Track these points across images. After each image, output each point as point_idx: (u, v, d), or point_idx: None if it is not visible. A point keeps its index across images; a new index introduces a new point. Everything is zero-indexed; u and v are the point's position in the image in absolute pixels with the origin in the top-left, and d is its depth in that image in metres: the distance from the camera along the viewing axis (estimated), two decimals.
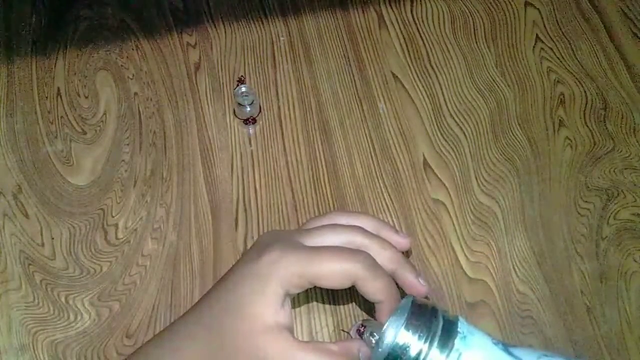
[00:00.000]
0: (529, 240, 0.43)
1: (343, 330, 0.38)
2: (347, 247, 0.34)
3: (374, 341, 0.33)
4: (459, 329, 0.31)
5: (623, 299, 0.41)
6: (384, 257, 0.35)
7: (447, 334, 0.30)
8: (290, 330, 0.32)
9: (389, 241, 0.37)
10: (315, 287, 0.33)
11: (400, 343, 0.30)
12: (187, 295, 0.41)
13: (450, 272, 0.42)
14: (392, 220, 0.44)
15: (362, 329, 0.34)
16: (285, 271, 0.32)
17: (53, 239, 0.43)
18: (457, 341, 0.30)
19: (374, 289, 0.33)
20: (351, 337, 0.35)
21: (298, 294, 0.34)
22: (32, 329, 0.39)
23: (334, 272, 0.32)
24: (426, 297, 0.36)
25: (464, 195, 0.45)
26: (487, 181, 0.45)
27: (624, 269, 0.42)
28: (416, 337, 0.30)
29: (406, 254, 0.40)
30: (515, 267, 0.42)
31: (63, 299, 0.40)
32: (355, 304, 0.41)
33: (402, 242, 0.38)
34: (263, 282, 0.32)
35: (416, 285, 0.35)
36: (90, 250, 0.42)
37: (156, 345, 0.35)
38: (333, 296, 0.41)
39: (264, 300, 0.32)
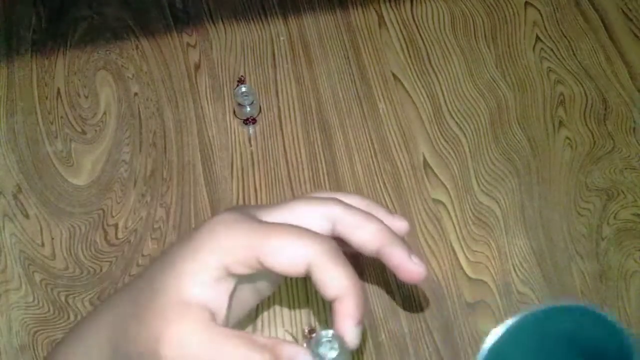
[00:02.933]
0: (529, 240, 0.43)
1: (288, 332, 0.33)
2: (310, 230, 0.27)
3: (319, 353, 0.25)
4: None
5: (623, 299, 0.41)
6: (367, 231, 0.29)
7: None
8: (215, 314, 0.25)
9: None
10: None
11: None
12: None
13: (450, 272, 0.42)
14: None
15: (309, 336, 0.28)
16: (227, 240, 0.26)
17: (53, 239, 0.43)
18: None
19: (330, 279, 0.26)
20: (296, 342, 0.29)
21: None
22: (32, 329, 0.39)
23: (285, 249, 0.26)
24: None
25: (464, 195, 0.45)
26: (487, 181, 0.45)
27: (624, 269, 0.42)
28: None
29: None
30: (515, 267, 0.42)
31: (63, 299, 0.40)
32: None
33: (399, 224, 0.32)
34: (197, 250, 0.26)
35: (408, 264, 0.28)
36: (90, 250, 0.42)
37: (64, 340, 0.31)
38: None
39: (190, 271, 0.25)
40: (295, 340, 0.31)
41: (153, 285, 0.26)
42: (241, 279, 0.27)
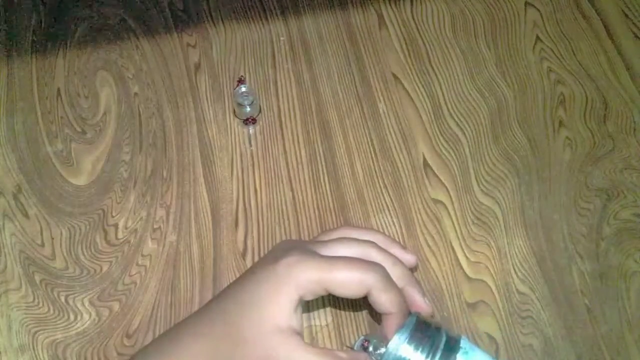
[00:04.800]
0: (529, 240, 0.43)
1: (347, 346, 0.38)
2: (363, 259, 0.35)
3: (378, 354, 0.34)
4: (461, 345, 0.32)
5: (623, 299, 0.41)
6: (395, 273, 0.36)
7: (449, 350, 0.32)
8: (301, 335, 0.33)
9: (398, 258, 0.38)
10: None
11: (403, 356, 0.32)
12: (187, 295, 0.41)
13: (450, 272, 0.42)
14: (392, 220, 0.44)
15: (366, 344, 0.34)
16: (302, 276, 0.33)
17: (53, 239, 0.43)
18: (459, 356, 0.32)
19: (386, 300, 0.33)
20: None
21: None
22: (32, 329, 0.39)
23: (351, 280, 0.33)
24: (431, 316, 0.37)
25: (464, 195, 0.45)
26: (487, 181, 0.45)
27: (624, 269, 0.42)
28: (419, 351, 0.32)
29: (412, 270, 0.40)
30: (515, 267, 0.42)
31: (63, 299, 0.40)
32: (357, 305, 0.41)
33: (409, 259, 0.39)
34: (279, 285, 0.33)
35: (422, 304, 0.37)
36: (90, 250, 0.42)
37: (156, 347, 0.34)
38: (333, 296, 0.41)
39: (279, 303, 0.32)
40: (352, 349, 0.37)
41: (249, 316, 0.33)
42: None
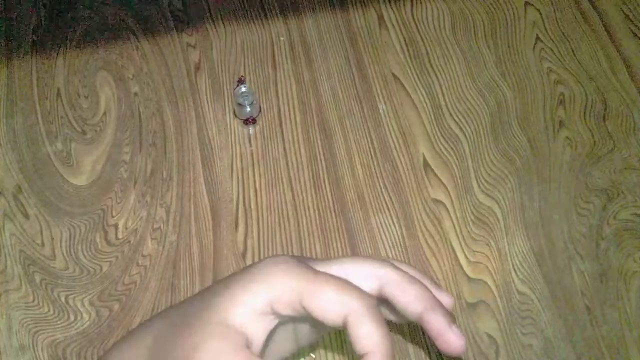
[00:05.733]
0: (529, 240, 0.43)
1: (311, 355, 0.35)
2: (355, 285, 0.28)
3: None
4: None
5: (623, 299, 0.41)
6: (412, 293, 0.29)
7: None
8: (250, 344, 0.27)
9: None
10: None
11: None
12: (187, 295, 0.41)
13: (450, 272, 0.42)
14: (392, 220, 0.44)
15: None
16: (278, 280, 0.27)
17: (53, 239, 0.43)
18: None
19: (364, 334, 0.26)
20: None
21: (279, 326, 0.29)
22: (32, 329, 0.39)
23: (328, 299, 0.27)
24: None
25: (464, 195, 0.45)
26: (487, 181, 0.45)
27: (624, 269, 0.42)
28: None
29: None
30: (515, 267, 0.42)
31: (63, 299, 0.40)
32: None
33: (444, 299, 0.31)
34: (251, 282, 0.28)
35: (447, 333, 0.29)
36: (90, 250, 0.42)
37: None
38: None
39: (241, 300, 0.27)
40: None
41: (205, 303, 0.28)
42: (283, 321, 0.28)
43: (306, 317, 0.28)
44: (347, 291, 0.27)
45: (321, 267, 0.30)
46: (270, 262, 0.28)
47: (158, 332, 0.29)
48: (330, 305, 0.27)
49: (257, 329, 0.27)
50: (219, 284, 0.30)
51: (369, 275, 0.30)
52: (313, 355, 0.39)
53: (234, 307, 0.27)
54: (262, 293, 0.27)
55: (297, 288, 0.27)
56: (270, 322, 0.28)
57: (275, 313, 0.27)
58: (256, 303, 0.27)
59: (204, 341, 0.26)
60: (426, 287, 0.30)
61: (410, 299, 0.29)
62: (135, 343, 0.30)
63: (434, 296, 0.30)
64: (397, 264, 0.32)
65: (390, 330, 0.40)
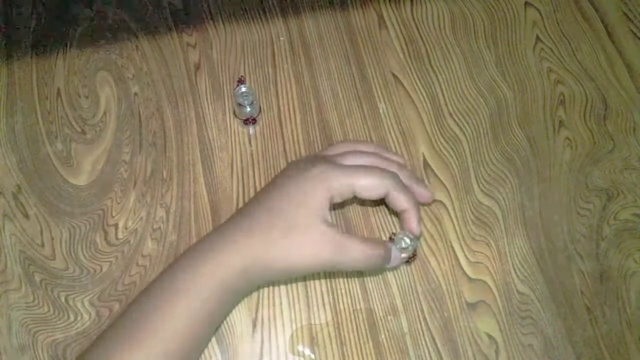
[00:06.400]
0: (529, 240, 0.43)
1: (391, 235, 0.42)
2: (379, 167, 0.41)
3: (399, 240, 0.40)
4: None
5: (623, 299, 0.41)
6: (403, 175, 0.42)
7: None
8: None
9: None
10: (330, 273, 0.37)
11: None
12: None
13: (450, 272, 0.42)
14: (392, 220, 0.44)
15: (392, 236, 0.41)
16: (335, 180, 0.38)
17: (53, 239, 0.43)
18: None
19: (403, 199, 0.40)
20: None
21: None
22: (32, 329, 0.39)
23: (373, 184, 0.39)
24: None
25: (464, 195, 0.45)
26: (487, 181, 0.45)
27: (624, 269, 0.42)
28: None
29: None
30: (515, 267, 0.42)
31: (63, 299, 0.40)
32: (357, 304, 0.41)
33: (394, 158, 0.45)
34: (317, 185, 0.38)
35: (426, 193, 0.43)
36: (90, 250, 0.42)
37: (205, 244, 0.38)
38: (333, 296, 0.41)
39: (320, 199, 0.37)
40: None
41: (296, 209, 0.37)
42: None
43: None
44: (381, 175, 0.39)
45: (344, 162, 0.41)
46: (323, 169, 0.39)
47: (262, 243, 0.37)
48: (374, 188, 0.39)
49: (330, 216, 0.38)
50: (291, 189, 0.38)
51: (369, 164, 0.42)
52: (313, 356, 0.39)
53: (323, 208, 0.38)
54: (327, 193, 0.38)
55: (349, 182, 0.38)
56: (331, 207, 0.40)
57: (332, 202, 0.39)
58: (327, 202, 0.38)
59: (325, 235, 0.37)
60: (407, 168, 0.44)
61: (402, 179, 0.42)
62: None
63: (413, 173, 0.45)
64: (379, 150, 0.45)
65: (391, 330, 0.40)
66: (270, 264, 0.36)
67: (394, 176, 0.40)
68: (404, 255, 0.40)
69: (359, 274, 0.42)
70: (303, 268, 0.37)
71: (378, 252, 0.38)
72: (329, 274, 0.42)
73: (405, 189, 0.40)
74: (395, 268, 0.42)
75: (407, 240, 0.40)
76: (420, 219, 0.41)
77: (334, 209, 0.44)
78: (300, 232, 0.36)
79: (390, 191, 0.39)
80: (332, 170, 0.38)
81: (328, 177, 0.38)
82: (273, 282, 0.41)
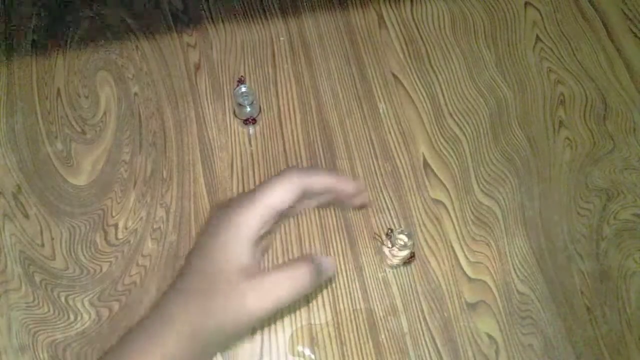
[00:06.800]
0: (529, 240, 0.43)
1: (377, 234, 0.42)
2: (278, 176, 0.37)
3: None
4: None
5: (623, 299, 0.41)
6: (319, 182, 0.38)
7: None
8: (259, 264, 0.35)
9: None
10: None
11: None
12: None
13: (450, 272, 0.42)
14: (392, 220, 0.44)
15: (390, 233, 0.41)
16: (243, 216, 0.35)
17: (53, 239, 0.43)
18: None
19: (317, 179, 0.36)
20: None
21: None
22: (32, 329, 0.39)
23: (282, 189, 0.35)
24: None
25: (464, 195, 0.45)
26: (487, 181, 0.45)
27: (624, 269, 0.42)
28: None
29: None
30: (515, 267, 0.42)
31: (63, 299, 0.40)
32: (357, 304, 0.41)
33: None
34: (233, 225, 0.35)
35: (346, 179, 0.39)
36: (90, 250, 0.42)
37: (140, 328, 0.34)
38: (333, 296, 0.41)
39: (238, 242, 0.34)
40: (381, 238, 0.42)
41: (213, 262, 0.34)
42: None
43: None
44: (280, 178, 0.35)
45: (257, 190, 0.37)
46: (237, 205, 0.35)
47: (189, 306, 0.34)
48: (288, 194, 0.35)
49: (259, 252, 0.36)
50: (208, 238, 0.35)
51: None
52: (313, 356, 0.39)
53: (242, 250, 0.34)
54: (246, 230, 0.35)
55: (259, 206, 0.35)
56: (259, 240, 0.36)
57: (259, 234, 0.35)
58: (250, 238, 0.34)
59: (244, 297, 0.33)
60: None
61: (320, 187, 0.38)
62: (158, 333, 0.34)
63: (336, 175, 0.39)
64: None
65: (391, 330, 0.40)
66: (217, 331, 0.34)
67: (292, 169, 0.36)
68: (403, 253, 0.40)
69: (359, 274, 0.42)
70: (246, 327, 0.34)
71: (303, 270, 0.35)
72: None
73: (311, 170, 0.37)
74: (329, 276, 0.39)
75: (405, 238, 0.40)
76: (351, 180, 0.38)
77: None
78: (220, 299, 0.33)
79: (301, 186, 0.36)
80: (237, 207, 0.35)
81: (238, 213, 0.35)
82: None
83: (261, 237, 0.36)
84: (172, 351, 0.33)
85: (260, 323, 0.38)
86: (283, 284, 0.35)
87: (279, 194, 0.36)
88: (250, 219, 0.35)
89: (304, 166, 0.46)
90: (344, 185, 0.37)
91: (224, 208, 0.37)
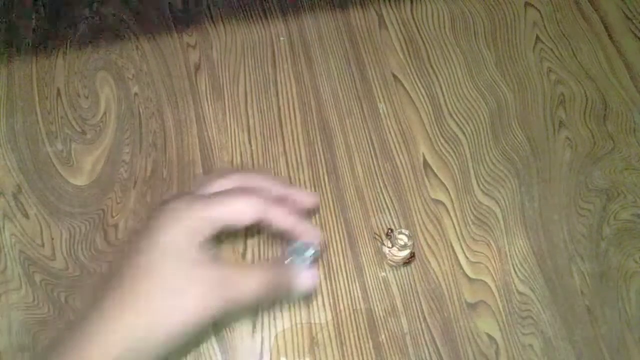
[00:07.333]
0: (529, 240, 0.43)
1: (377, 234, 0.42)
2: (243, 188, 0.37)
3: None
4: None
5: (623, 299, 0.41)
6: (275, 186, 0.38)
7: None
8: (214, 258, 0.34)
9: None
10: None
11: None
12: None
13: (450, 272, 0.42)
14: (392, 220, 0.44)
15: (390, 233, 0.41)
16: (194, 214, 0.34)
17: (53, 239, 0.43)
18: None
19: (282, 216, 0.36)
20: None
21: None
22: (32, 329, 0.39)
23: (240, 209, 0.35)
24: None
25: (464, 195, 0.45)
26: (487, 181, 0.45)
27: (624, 270, 0.42)
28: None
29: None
30: (515, 267, 0.42)
31: (63, 300, 0.40)
32: (357, 304, 0.41)
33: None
34: (175, 219, 0.34)
35: (308, 197, 0.40)
36: (90, 250, 0.42)
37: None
38: (333, 296, 0.41)
39: (179, 232, 0.33)
40: (381, 238, 0.42)
41: (151, 246, 0.33)
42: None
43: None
44: (248, 194, 0.36)
45: (205, 191, 0.37)
46: (179, 204, 0.35)
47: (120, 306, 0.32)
48: (243, 215, 0.35)
49: (211, 251, 0.34)
50: (147, 235, 0.34)
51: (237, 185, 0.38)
52: (313, 356, 0.39)
53: (183, 239, 0.33)
54: (191, 229, 0.33)
55: (210, 216, 0.34)
56: (211, 244, 0.35)
57: (207, 239, 0.34)
58: (195, 236, 0.33)
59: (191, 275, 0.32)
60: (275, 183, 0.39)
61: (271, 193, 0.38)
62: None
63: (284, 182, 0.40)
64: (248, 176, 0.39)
65: (391, 330, 0.40)
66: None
67: (260, 200, 0.36)
68: (403, 253, 0.40)
69: (359, 274, 0.42)
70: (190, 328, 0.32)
71: (273, 272, 0.35)
72: (329, 273, 0.42)
73: (278, 206, 0.36)
74: (303, 293, 0.38)
75: (405, 238, 0.40)
76: (313, 227, 0.38)
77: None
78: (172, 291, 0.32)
79: (262, 215, 0.35)
80: (186, 209, 0.34)
81: (181, 217, 0.34)
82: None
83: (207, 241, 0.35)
84: (110, 350, 0.31)
85: (195, 329, 0.33)
86: (250, 278, 0.33)
87: (238, 215, 0.35)
88: (202, 225, 0.34)
89: (303, 165, 0.46)
90: (301, 229, 0.37)
91: (171, 204, 0.35)
